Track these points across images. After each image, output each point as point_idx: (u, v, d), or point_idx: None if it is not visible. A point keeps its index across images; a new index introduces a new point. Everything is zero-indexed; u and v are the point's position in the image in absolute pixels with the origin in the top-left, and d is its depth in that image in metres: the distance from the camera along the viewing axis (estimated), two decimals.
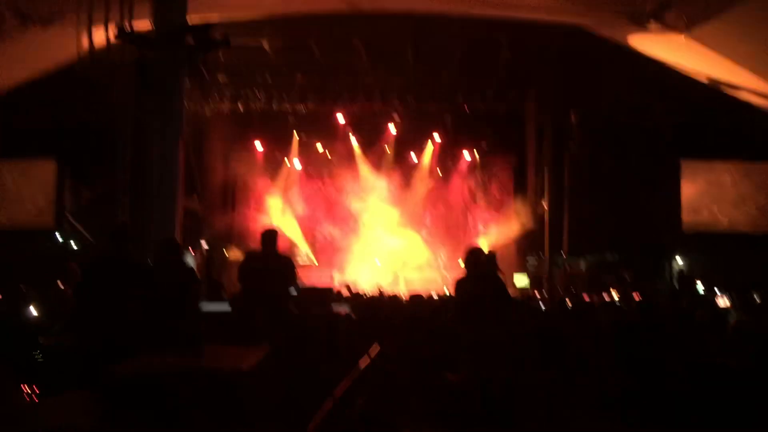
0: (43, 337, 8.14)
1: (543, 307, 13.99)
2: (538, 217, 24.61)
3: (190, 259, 21.90)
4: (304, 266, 25.37)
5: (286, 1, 16.05)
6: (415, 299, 12.40)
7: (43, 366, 6.93)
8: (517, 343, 8.37)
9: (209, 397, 4.39)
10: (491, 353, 7.46)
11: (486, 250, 8.46)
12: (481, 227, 27.19)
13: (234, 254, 24.60)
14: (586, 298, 17.42)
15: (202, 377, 4.44)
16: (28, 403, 6.42)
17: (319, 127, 26.42)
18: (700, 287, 20.46)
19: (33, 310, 10.12)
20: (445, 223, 26.85)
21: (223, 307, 9.66)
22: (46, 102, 19.54)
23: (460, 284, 8.04)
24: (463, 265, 8.08)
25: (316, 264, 26.75)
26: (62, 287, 16.22)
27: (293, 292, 8.83)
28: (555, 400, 8.54)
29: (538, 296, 19.60)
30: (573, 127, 22.80)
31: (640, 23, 14.50)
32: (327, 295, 10.48)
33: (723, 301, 13.68)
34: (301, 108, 25.26)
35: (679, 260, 23.61)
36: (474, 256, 7.99)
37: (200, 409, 4.33)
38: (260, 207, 27.09)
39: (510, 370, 7.73)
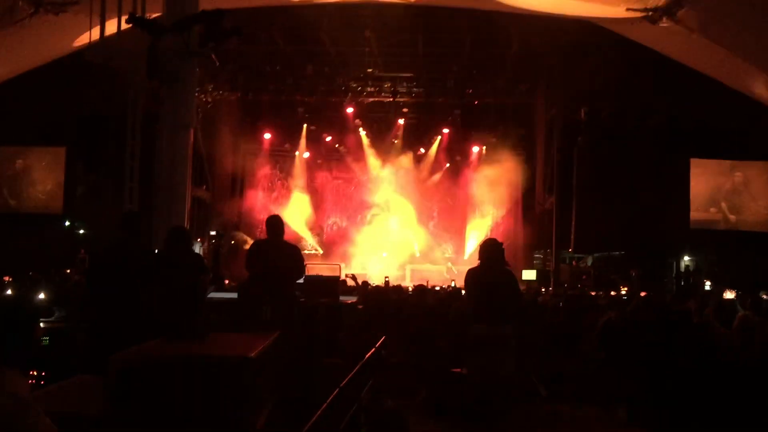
0: (52, 323, 8.20)
1: (549, 303, 13.99)
2: (545, 213, 24.59)
3: (198, 248, 21.96)
4: (310, 255, 25.43)
5: None
6: (421, 291, 12.41)
7: (51, 351, 6.97)
8: (525, 339, 8.36)
9: (216, 384, 4.41)
10: (498, 348, 7.43)
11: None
12: (489, 221, 27.18)
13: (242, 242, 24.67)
14: (593, 294, 17.41)
15: (209, 364, 4.46)
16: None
17: (329, 118, 26.45)
18: (707, 285, 20.44)
19: (41, 296, 10.17)
20: (452, 216, 26.83)
21: (227, 296, 9.70)
22: (57, 88, 19.59)
23: (471, 273, 7.97)
24: (477, 255, 8.03)
25: (322, 253, 26.80)
26: (71, 273, 16.31)
27: (300, 280, 8.85)
28: (560, 396, 8.56)
29: (544, 291, 19.59)
30: (582, 123, 22.74)
31: (653, 20, 14.44)
32: (334, 284, 10.49)
33: (730, 300, 13.64)
34: (310, 99, 25.30)
35: (686, 258, 23.59)
36: (489, 247, 7.93)
37: (207, 396, 4.35)
38: (268, 197, 27.16)
39: (516, 365, 7.72)
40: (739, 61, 15.62)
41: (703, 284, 20.69)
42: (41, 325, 7.57)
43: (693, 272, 22.62)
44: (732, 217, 23.18)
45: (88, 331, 6.87)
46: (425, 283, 18.01)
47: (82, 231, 23.28)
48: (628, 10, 14.60)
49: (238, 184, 26.45)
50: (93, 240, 21.54)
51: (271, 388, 5.50)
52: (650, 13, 14.38)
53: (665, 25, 14.47)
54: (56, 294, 10.61)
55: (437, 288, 17.31)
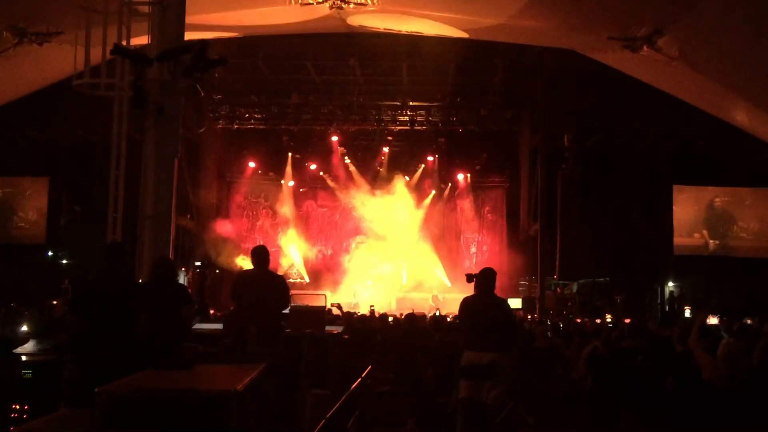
0: (35, 355, 8.11)
1: (536, 330, 13.99)
2: (530, 240, 24.64)
3: (183, 278, 21.87)
4: (296, 285, 25.37)
5: (281, 21, 16.11)
6: (407, 320, 12.38)
7: (36, 384, 6.90)
8: (517, 367, 8.35)
9: (202, 417, 4.38)
10: (490, 376, 7.41)
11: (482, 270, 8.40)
12: (473, 249, 27.24)
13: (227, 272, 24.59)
14: (578, 321, 17.43)
15: (196, 398, 4.43)
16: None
17: (313, 146, 26.53)
18: (687, 312, 20.51)
19: (24, 328, 10.09)
20: (437, 243, 26.83)
21: (212, 326, 9.66)
22: (41, 118, 19.57)
23: (465, 302, 7.97)
24: (473, 284, 8.01)
25: (308, 281, 26.73)
26: (56, 305, 16.19)
27: (286, 310, 8.83)
28: (548, 423, 8.52)
29: (530, 318, 19.60)
30: (566, 150, 22.89)
31: (634, 49, 14.60)
32: (319, 314, 10.45)
33: (713, 325, 13.69)
34: (295, 127, 25.36)
35: (671, 284, 23.69)
36: (486, 276, 7.93)
37: (194, 429, 4.33)
38: (253, 226, 27.12)
39: (508, 394, 7.70)
40: (720, 88, 15.78)
41: (686, 309, 20.75)
42: (23, 358, 7.52)
43: (678, 298, 22.71)
44: (713, 242, 23.36)
45: (73, 363, 6.81)
46: (410, 311, 17.99)
47: (65, 261, 23.16)
48: (609, 38, 14.76)
49: (222, 213, 26.39)
50: (76, 270, 21.42)
51: (258, 420, 5.46)
52: (631, 41, 14.54)
53: (646, 53, 14.64)
54: (39, 325, 10.52)
55: (426, 317, 17.26)
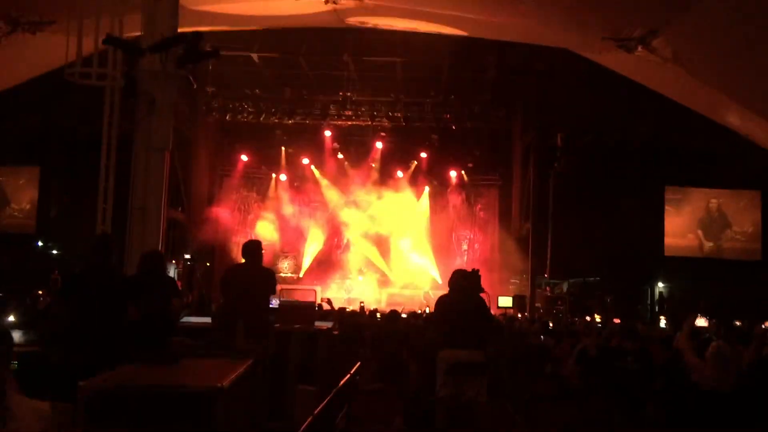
0: (21, 346, 8.05)
1: (528, 329, 14.00)
2: (521, 238, 24.64)
3: (173, 271, 21.79)
4: (287, 279, 25.36)
5: (276, 15, 16.03)
6: (396, 316, 12.37)
7: (22, 375, 6.84)
8: (497, 365, 8.37)
9: (186, 413, 4.34)
10: (470, 374, 7.43)
11: (470, 270, 8.45)
12: (464, 246, 27.21)
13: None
14: (568, 320, 17.45)
15: (179, 395, 4.39)
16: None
17: (306, 141, 26.44)
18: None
19: (11, 318, 10.03)
20: (429, 241, 26.81)
21: (200, 320, 9.63)
22: (32, 108, 19.46)
23: (441, 301, 8.05)
24: (448, 285, 8.09)
25: (299, 277, 26.70)
26: (43, 295, 16.11)
27: (275, 304, 8.80)
28: (535, 422, 8.52)
29: (520, 317, 19.61)
30: (559, 149, 22.86)
31: (628, 49, 14.57)
32: (309, 310, 10.42)
33: (702, 327, 13.71)
34: (288, 122, 25.29)
35: (660, 285, 23.72)
36: (458, 276, 8.00)
37: (177, 426, 4.28)
38: (245, 219, 27.06)
39: (489, 391, 7.71)
40: (713, 90, 15.77)
41: (676, 311, 20.69)
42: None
43: (667, 299, 22.75)
44: (708, 244, 23.39)
45: (59, 354, 6.76)
46: (400, 308, 17.98)
47: (55, 251, 23.07)
48: (603, 39, 14.72)
49: (214, 206, 26.30)
50: (66, 261, 21.34)
51: (245, 417, 5.43)
52: (625, 41, 14.51)
53: (640, 54, 14.61)
54: (27, 316, 10.46)
55: (416, 313, 17.28)
